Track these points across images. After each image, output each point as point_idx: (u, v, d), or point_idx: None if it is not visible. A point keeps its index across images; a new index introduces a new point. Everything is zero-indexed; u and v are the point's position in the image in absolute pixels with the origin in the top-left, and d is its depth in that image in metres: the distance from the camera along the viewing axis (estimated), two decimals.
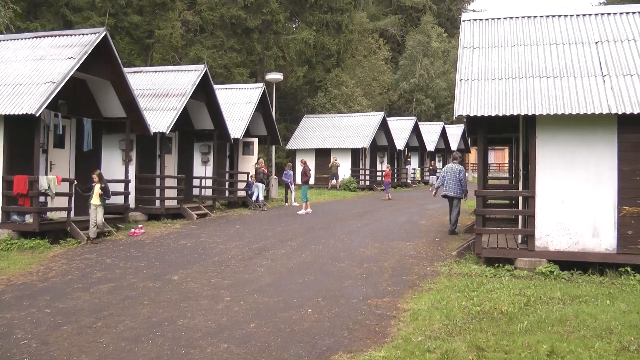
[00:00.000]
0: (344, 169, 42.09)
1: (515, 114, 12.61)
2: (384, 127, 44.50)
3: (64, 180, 16.37)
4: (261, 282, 11.69)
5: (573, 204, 12.80)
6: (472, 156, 70.95)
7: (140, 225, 18.58)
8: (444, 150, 58.17)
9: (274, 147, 34.15)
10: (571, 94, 12.82)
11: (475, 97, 13.09)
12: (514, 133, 18.50)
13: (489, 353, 7.46)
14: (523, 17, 15.38)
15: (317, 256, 14.67)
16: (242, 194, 27.77)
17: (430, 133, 54.33)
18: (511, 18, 15.41)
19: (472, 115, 12.71)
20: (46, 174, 16.57)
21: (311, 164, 41.27)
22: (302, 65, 46.90)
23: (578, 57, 13.84)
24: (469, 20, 15.45)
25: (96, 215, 16.34)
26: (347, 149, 42.84)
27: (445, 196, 19.30)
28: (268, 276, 12.30)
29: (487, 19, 15.44)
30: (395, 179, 45.71)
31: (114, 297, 10.39)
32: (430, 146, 53.64)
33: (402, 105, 70.46)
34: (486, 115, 12.68)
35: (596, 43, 14.15)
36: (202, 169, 25.99)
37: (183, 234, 18.43)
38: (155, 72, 24.09)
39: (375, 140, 43.69)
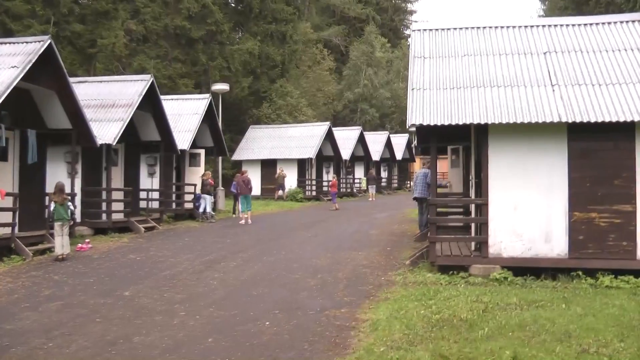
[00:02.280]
0: (291, 179, 41.97)
1: (467, 122, 12.74)
2: (329, 137, 44.59)
3: (7, 194, 15.81)
4: (215, 296, 11.49)
5: (525, 211, 12.98)
6: (417, 165, 71.74)
7: (87, 240, 18.09)
8: (389, 160, 58.57)
9: (220, 158, 33.78)
10: (522, 103, 13.02)
11: (427, 107, 13.17)
12: (462, 142, 18.69)
13: None
14: (472, 27, 15.60)
15: (270, 268, 14.53)
16: (189, 206, 27.38)
17: (376, 143, 54.61)
18: (461, 29, 15.60)
19: (425, 124, 12.79)
20: None
21: (257, 175, 41.09)
22: (247, 75, 46.68)
23: (527, 67, 14.09)
24: (419, 30, 15.59)
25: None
26: (294, 159, 42.77)
27: (415, 199, 19.83)
28: (222, 289, 12.10)
29: (437, 30, 15.60)
30: (341, 189, 45.71)
31: (64, 315, 10.05)
32: (376, 156, 53.89)
33: (347, 115, 70.73)
34: (439, 124, 12.77)
35: (544, 53, 14.44)
36: (149, 181, 25.54)
37: (132, 248, 18.04)
38: (101, 82, 23.60)
39: (322, 150, 43.73)
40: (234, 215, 29.04)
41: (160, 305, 10.72)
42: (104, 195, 21.03)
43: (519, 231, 13.03)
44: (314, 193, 43.12)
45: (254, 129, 46.15)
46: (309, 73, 60.75)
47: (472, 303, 10.33)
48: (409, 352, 7.72)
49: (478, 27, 15.60)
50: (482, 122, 12.71)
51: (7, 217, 15.97)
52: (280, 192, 40.72)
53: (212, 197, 27.21)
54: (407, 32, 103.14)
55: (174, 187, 27.27)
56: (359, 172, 52.77)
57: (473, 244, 14.17)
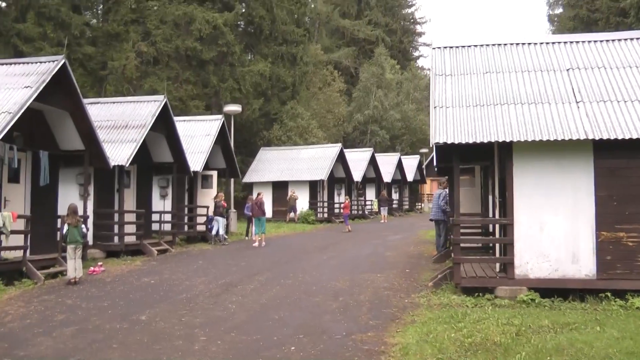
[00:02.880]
0: (302, 201, 41.57)
1: (492, 140, 12.41)
2: (341, 158, 44.29)
3: (19, 216, 15.51)
4: (236, 320, 11.09)
5: (552, 231, 12.63)
6: (427, 187, 71.33)
7: (99, 263, 17.76)
8: (400, 181, 58.17)
9: (232, 180, 33.47)
10: (547, 120, 12.71)
11: (451, 125, 12.87)
12: (480, 162, 18.33)
13: None
14: (493, 44, 15.35)
15: (289, 291, 14.14)
16: (201, 228, 27.03)
17: (387, 164, 54.26)
18: (481, 46, 15.34)
19: (449, 142, 12.47)
20: (0, 211, 15.62)
21: (269, 197, 40.65)
22: (258, 97, 46.45)
23: (551, 83, 13.79)
24: (439, 47, 15.31)
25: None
26: (305, 181, 42.42)
27: (434, 221, 19.72)
28: (241, 313, 11.71)
29: (457, 47, 15.33)
30: (353, 211, 45.28)
31: (79, 341, 9.67)
32: (387, 177, 53.53)
33: (357, 137, 70.43)
34: (464, 142, 12.46)
35: (567, 70, 14.14)
36: (161, 203, 25.22)
37: (145, 271, 17.67)
38: (113, 103, 23.38)
39: (333, 172, 43.37)
40: (246, 238, 28.67)
41: (179, 329, 10.33)
42: (116, 217, 20.71)
43: (546, 252, 12.67)
44: (325, 215, 42.71)
45: (265, 151, 45.88)
46: (320, 95, 60.54)
47: (503, 326, 9.95)
48: None
49: (499, 44, 15.34)
50: (507, 140, 12.38)
51: (18, 240, 15.67)
52: (291, 215, 40.30)
53: (225, 219, 26.85)
54: (416, 53, 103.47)
55: (186, 209, 26.93)
56: (370, 193, 52.39)
57: (498, 265, 13.77)
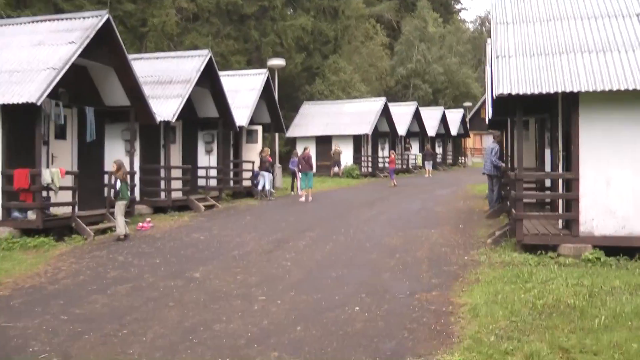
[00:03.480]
0: (346, 156, 41.17)
1: (559, 91, 11.72)
2: (385, 113, 43.57)
3: (67, 172, 15.33)
4: (293, 278, 10.75)
5: (619, 186, 11.95)
6: (470, 141, 70.21)
7: (148, 219, 17.58)
8: (444, 136, 57.26)
9: (277, 135, 33.07)
10: (617, 69, 11.92)
11: (515, 75, 12.16)
12: (537, 114, 17.58)
13: (576, 354, 6.58)
14: None
15: (343, 247, 13.78)
16: (247, 183, 26.77)
17: (431, 119, 53.34)
18: None
19: (513, 93, 11.78)
20: (47, 167, 15.46)
21: (312, 152, 40.22)
22: (299, 52, 45.73)
23: (620, 30, 12.91)
24: None
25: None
26: (349, 135, 41.91)
27: (484, 174, 19.73)
28: (297, 271, 11.37)
29: None
30: (397, 165, 44.68)
31: (134, 299, 9.42)
32: (431, 131, 52.70)
33: (399, 90, 69.38)
34: (529, 93, 11.76)
35: (638, 15, 13.22)
36: (206, 159, 24.97)
37: (193, 227, 17.46)
38: (157, 58, 22.98)
39: (377, 126, 42.65)
40: (292, 193, 28.43)
41: (236, 288, 10.02)
42: (162, 173, 20.49)
43: (612, 208, 12.00)
44: (370, 170, 42.26)
45: (308, 105, 45.34)
46: (362, 49, 59.49)
47: (573, 287, 9.40)
48: (523, 343, 6.85)
49: None
50: (575, 90, 11.64)
51: (67, 196, 15.54)
52: (336, 169, 39.94)
53: (271, 174, 26.53)
54: (458, 6, 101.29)
55: (231, 164, 26.66)
56: (414, 147, 51.60)
57: (560, 221, 13.14)
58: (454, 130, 58.51)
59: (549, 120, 17.25)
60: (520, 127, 12.84)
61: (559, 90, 11.71)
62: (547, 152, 17.96)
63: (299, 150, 30.12)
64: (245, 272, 11.32)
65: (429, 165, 43.77)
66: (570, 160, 12.61)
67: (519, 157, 12.67)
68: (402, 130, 46.75)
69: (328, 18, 49.32)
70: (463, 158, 63.94)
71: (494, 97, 12.00)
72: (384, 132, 44.80)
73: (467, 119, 65.06)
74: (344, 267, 11.58)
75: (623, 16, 13.31)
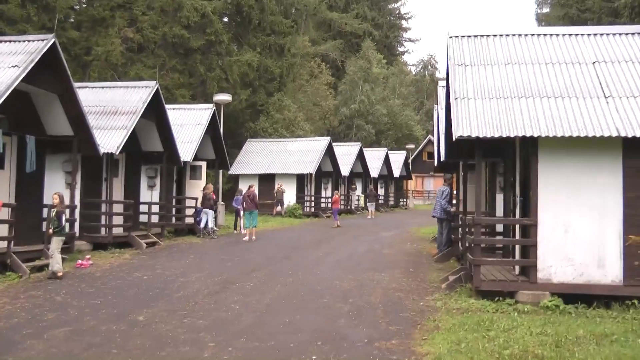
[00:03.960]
0: (289, 195, 40.82)
1: (520, 135, 11.60)
2: (329, 152, 43.61)
3: (4, 205, 14.44)
4: (243, 323, 10.19)
5: (577, 233, 11.85)
6: (412, 183, 70.71)
7: (87, 256, 16.72)
8: (386, 177, 57.49)
9: (220, 171, 32.45)
10: (575, 115, 11.93)
11: (474, 117, 12.02)
12: (490, 157, 17.54)
13: None
14: (513, 34, 14.49)
15: (293, 290, 13.28)
16: (190, 220, 26.05)
17: (374, 160, 53.56)
18: (501, 35, 14.48)
19: (474, 136, 11.62)
20: None
21: (255, 190, 39.68)
22: (244, 88, 45.41)
23: (577, 77, 12.99)
24: (456, 36, 14.41)
25: (50, 246, 14.40)
26: (293, 174, 41.69)
27: (434, 217, 19.54)
28: (247, 314, 10.81)
29: (475, 36, 14.46)
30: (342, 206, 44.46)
31: (74, 345, 8.70)
32: (374, 172, 52.85)
33: (342, 130, 69.65)
34: (489, 136, 11.63)
35: (593, 63, 13.33)
36: (149, 194, 24.24)
37: (136, 265, 16.70)
38: (102, 87, 22.28)
39: (320, 166, 42.53)
40: (235, 231, 27.85)
41: (183, 333, 9.40)
42: (104, 207, 19.67)
43: (570, 255, 11.88)
44: (312, 209, 41.97)
45: (252, 143, 45.01)
46: (307, 87, 59.59)
47: (538, 336, 9.14)
48: None
49: (519, 35, 14.48)
50: (535, 135, 11.56)
51: (3, 230, 14.62)
52: (278, 208, 39.51)
53: (214, 211, 25.91)
54: (401, 49, 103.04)
55: (174, 200, 25.92)
56: (358, 188, 51.54)
57: (517, 267, 12.96)
58: (396, 172, 58.85)
59: (501, 164, 17.27)
60: (479, 170, 12.70)
61: (520, 135, 11.60)
62: (499, 197, 17.98)
63: (243, 188, 29.68)
64: (192, 315, 10.71)
65: (372, 207, 43.70)
66: (528, 206, 12.51)
67: (477, 201, 12.47)
68: (345, 170, 46.76)
69: (274, 55, 49.29)
70: (405, 200, 64.22)
71: (454, 139, 11.79)
72: (328, 171, 44.73)
73: (410, 161, 65.58)
74: (296, 312, 11.08)
75: (580, 63, 13.40)
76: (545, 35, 14.42)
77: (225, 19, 47.49)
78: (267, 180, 41.63)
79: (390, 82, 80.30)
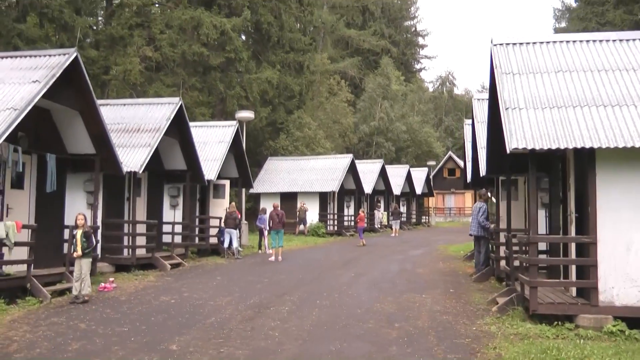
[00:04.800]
0: (312, 213, 39.97)
1: (578, 146, 10.73)
2: (352, 170, 42.85)
3: (24, 226, 13.69)
4: (287, 352, 9.32)
5: None
6: (433, 200, 69.69)
7: (111, 279, 15.94)
8: (408, 194, 56.56)
9: (243, 190, 31.66)
10: (636, 124, 11.04)
11: (528, 128, 11.17)
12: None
13: None
14: (561, 41, 13.67)
15: (332, 314, 12.39)
16: (213, 240, 25.26)
17: (396, 177, 52.72)
18: (547, 42, 13.66)
19: (529, 148, 10.76)
20: (2, 220, 13.79)
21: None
22: (264, 105, 44.74)
23: (633, 84, 12.09)
24: (500, 44, 13.56)
25: (80, 269, 13.59)
26: (315, 192, 40.91)
27: (474, 237, 18.73)
28: (289, 342, 9.94)
29: (521, 44, 13.61)
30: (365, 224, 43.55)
31: None
32: (397, 190, 51.99)
33: (362, 148, 68.87)
34: (546, 148, 10.80)
35: None
36: (171, 214, 23.47)
37: (161, 288, 15.89)
38: (124, 105, 21.63)
39: (343, 184, 41.73)
40: (260, 251, 27.07)
41: None
42: (127, 228, 18.92)
43: (634, 275, 10.95)
44: (336, 228, 41.12)
45: (273, 161, 44.31)
46: (326, 105, 58.88)
47: None
48: None
49: (567, 41, 13.64)
50: (595, 146, 10.68)
51: (22, 252, 13.87)
52: (301, 227, 38.66)
53: (239, 231, 25.11)
54: (418, 66, 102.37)
55: (197, 220, 25.15)
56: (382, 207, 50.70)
57: (574, 289, 12.00)
58: (418, 189, 57.95)
59: (543, 179, 16.38)
60: (534, 184, 11.78)
61: (579, 146, 10.72)
62: (541, 213, 17.06)
63: (265, 207, 28.90)
64: (228, 343, 9.85)
65: (396, 225, 42.84)
66: (584, 223, 11.59)
67: (533, 218, 11.59)
68: (368, 188, 45.96)
69: (293, 72, 48.65)
70: (427, 217, 63.17)
71: (508, 151, 10.91)
72: (350, 189, 43.95)
73: (431, 178, 64.67)
74: (342, 339, 10.19)
75: (634, 70, 12.51)
76: (594, 41, 13.56)
77: (244, 37, 46.98)
78: (289, 198, 40.81)
79: (409, 99, 79.52)
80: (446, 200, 75.03)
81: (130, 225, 18.88)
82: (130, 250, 18.58)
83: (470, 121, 26.47)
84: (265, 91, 43.82)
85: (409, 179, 55.19)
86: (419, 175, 59.35)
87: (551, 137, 10.93)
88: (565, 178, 13.16)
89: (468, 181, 23.60)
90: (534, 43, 13.66)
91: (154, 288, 15.85)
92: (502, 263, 16.71)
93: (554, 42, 13.65)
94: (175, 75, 39.51)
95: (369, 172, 47.03)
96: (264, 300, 14.11)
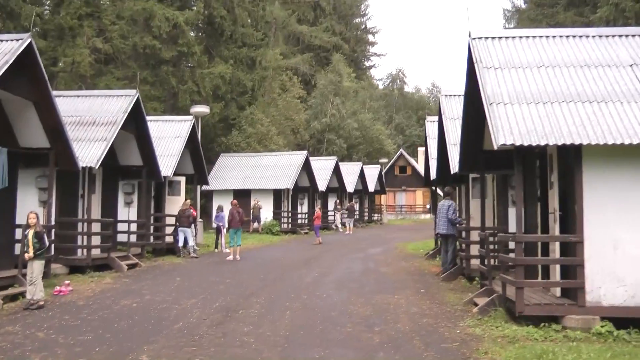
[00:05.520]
0: (266, 211, 39.24)
1: (567, 143, 10.36)
2: (306, 167, 42.20)
3: None
4: None
5: (627, 251, 10.63)
6: (384, 198, 69.48)
7: (66, 282, 14.97)
8: (361, 192, 56.20)
9: (198, 187, 30.73)
10: (624, 121, 10.76)
11: (515, 124, 10.76)
12: (504, 169, 16.30)
13: None
14: (540, 36, 13.33)
15: (306, 318, 11.83)
16: (169, 239, 24.36)
17: (350, 174, 52.20)
18: (527, 37, 13.31)
19: (517, 144, 10.36)
20: None
21: (229, 206, 38.09)
22: (217, 101, 43.81)
23: (617, 80, 11.82)
24: (479, 38, 13.13)
25: (32, 271, 12.67)
26: (269, 189, 40.16)
27: (441, 235, 18.20)
28: (268, 350, 9.29)
29: (500, 38, 13.23)
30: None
31: None
32: (350, 187, 51.49)
33: (313, 145, 68.22)
34: (534, 144, 10.42)
35: (631, 66, 12.20)
36: (126, 211, 22.49)
37: (120, 290, 15.04)
38: (78, 97, 20.55)
39: (296, 181, 41.08)
40: (216, 250, 26.30)
41: None
42: (80, 227, 17.94)
43: (620, 275, 10.65)
44: (290, 226, 40.49)
45: (225, 157, 43.39)
46: (278, 101, 58.09)
47: None
48: None
49: (547, 36, 13.31)
50: (585, 143, 10.34)
51: None
52: (255, 225, 37.95)
53: (194, 229, 24.29)
54: (368, 63, 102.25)
55: (153, 218, 24.20)
56: (331, 204, 50.17)
57: (558, 290, 11.65)
58: (371, 187, 57.62)
59: (516, 176, 16.07)
60: (519, 181, 11.31)
61: (567, 143, 10.36)
62: (511, 211, 16.76)
63: (220, 204, 28.11)
64: (202, 351, 9.17)
65: (350, 223, 42.47)
66: (569, 221, 11.26)
67: (518, 216, 11.17)
68: (322, 185, 45.40)
69: (245, 68, 47.83)
70: (379, 215, 62.95)
71: (495, 147, 10.48)
72: (304, 187, 43.31)
73: (383, 172, 64.41)
74: (323, 345, 9.59)
75: (617, 66, 12.25)
76: (574, 37, 13.27)
77: (196, 31, 46.01)
78: (242, 195, 39.84)
79: (360, 96, 79.21)
80: (397, 197, 74.89)
81: (85, 224, 17.88)
82: (85, 250, 17.59)
83: (432, 118, 26.30)
84: (218, 86, 42.99)
85: (361, 176, 54.80)
86: (372, 173, 59.04)
87: (539, 133, 10.55)
88: (545, 175, 12.84)
89: (432, 179, 23.26)
90: (514, 37, 13.31)
91: (112, 291, 14.99)
92: (474, 262, 16.37)
93: (534, 36, 13.30)
94: (127, 68, 38.34)
95: (322, 169, 46.45)
96: (230, 302, 13.46)
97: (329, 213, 48.05)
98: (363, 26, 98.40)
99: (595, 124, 10.70)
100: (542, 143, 10.39)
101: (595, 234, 10.66)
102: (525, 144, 10.39)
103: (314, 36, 74.53)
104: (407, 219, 68.21)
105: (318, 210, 34.51)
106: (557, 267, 11.74)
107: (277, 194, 40.63)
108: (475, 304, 12.74)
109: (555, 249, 11.73)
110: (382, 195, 67.18)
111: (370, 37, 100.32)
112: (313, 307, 12.96)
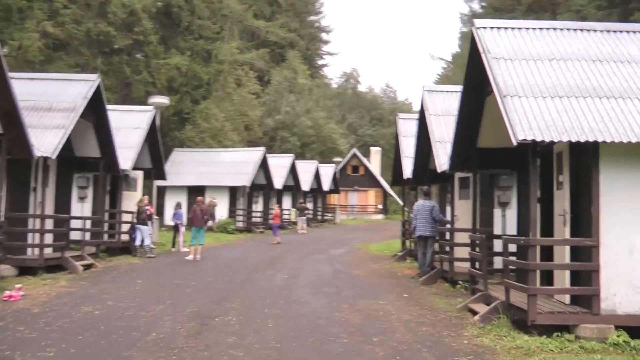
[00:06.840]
0: (221, 208, 37.82)
1: (590, 140, 9.51)
2: (263, 164, 40.97)
3: None
4: None
5: None
6: (338, 198, 68.62)
7: (17, 286, 13.35)
8: (315, 191, 55.24)
9: (155, 183, 29.20)
10: None
11: (533, 118, 9.89)
12: (493, 169, 15.49)
13: None
14: (548, 28, 12.54)
15: (292, 327, 10.72)
16: (124, 237, 22.88)
17: (305, 172, 51.17)
18: (534, 29, 12.49)
19: (538, 140, 9.46)
20: None
21: (185, 204, 36.65)
22: (171, 93, 42.22)
23: (632, 77, 11.07)
24: (484, 27, 12.24)
25: None
26: (225, 187, 38.83)
27: (419, 237, 17.24)
28: None
29: (506, 28, 12.36)
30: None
31: None
32: (305, 186, 50.45)
33: (267, 142, 66.88)
34: (556, 140, 9.60)
35: None
36: (79, 207, 20.94)
37: (79, 295, 13.60)
38: (32, 79, 18.87)
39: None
40: (173, 249, 24.92)
41: None
42: (32, 223, 16.40)
43: (636, 282, 9.96)
44: (245, 224, 39.25)
45: (179, 153, 41.94)
46: (234, 96, 56.61)
47: None
48: None
49: (554, 28, 12.54)
50: (608, 140, 9.56)
51: None
52: (210, 223, 36.42)
53: (150, 227, 22.88)
54: (321, 62, 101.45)
55: (108, 215, 22.64)
56: (287, 202, 49.09)
57: (567, 297, 10.82)
58: (325, 186, 56.76)
59: (504, 176, 15.35)
60: (535, 180, 10.46)
61: (590, 140, 9.53)
62: (497, 212, 16.05)
63: (174, 201, 26.80)
64: None
65: (302, 222, 41.48)
66: (580, 224, 10.47)
67: (533, 218, 10.27)
68: (279, 183, 44.28)
69: (201, 61, 46.34)
70: (333, 215, 62.05)
71: (515, 143, 9.55)
72: (260, 184, 42.05)
73: (336, 171, 63.48)
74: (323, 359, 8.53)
75: (629, 62, 11.52)
76: (582, 30, 12.53)
77: (150, 22, 44.30)
78: (197, 192, 38.13)
79: (315, 94, 78.19)
80: (349, 197, 74.10)
81: (38, 220, 16.34)
82: (37, 249, 16.05)
83: (404, 115, 25.55)
84: (173, 78, 41.56)
85: (317, 175, 53.89)
86: (327, 172, 58.16)
87: (559, 129, 9.69)
88: (546, 175, 12.04)
89: (405, 177, 22.40)
90: (520, 28, 12.45)
91: (70, 295, 13.54)
92: (459, 265, 15.64)
93: (541, 28, 12.49)
94: (79, 55, 36.48)
95: (279, 166, 45.27)
96: (202, 308, 12.28)
97: (284, 212, 46.88)
98: (317, 24, 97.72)
99: (615, 121, 9.93)
100: (565, 139, 9.55)
101: (611, 238, 9.96)
102: (547, 139, 9.52)
103: (270, 32, 73.19)
104: (359, 219, 67.46)
105: (277, 209, 33.37)
106: (567, 272, 10.89)
107: (233, 192, 39.36)
108: (472, 311, 11.94)
109: (566, 253, 10.89)
110: (335, 195, 66.31)
111: (324, 36, 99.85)
112: (295, 315, 11.88)
